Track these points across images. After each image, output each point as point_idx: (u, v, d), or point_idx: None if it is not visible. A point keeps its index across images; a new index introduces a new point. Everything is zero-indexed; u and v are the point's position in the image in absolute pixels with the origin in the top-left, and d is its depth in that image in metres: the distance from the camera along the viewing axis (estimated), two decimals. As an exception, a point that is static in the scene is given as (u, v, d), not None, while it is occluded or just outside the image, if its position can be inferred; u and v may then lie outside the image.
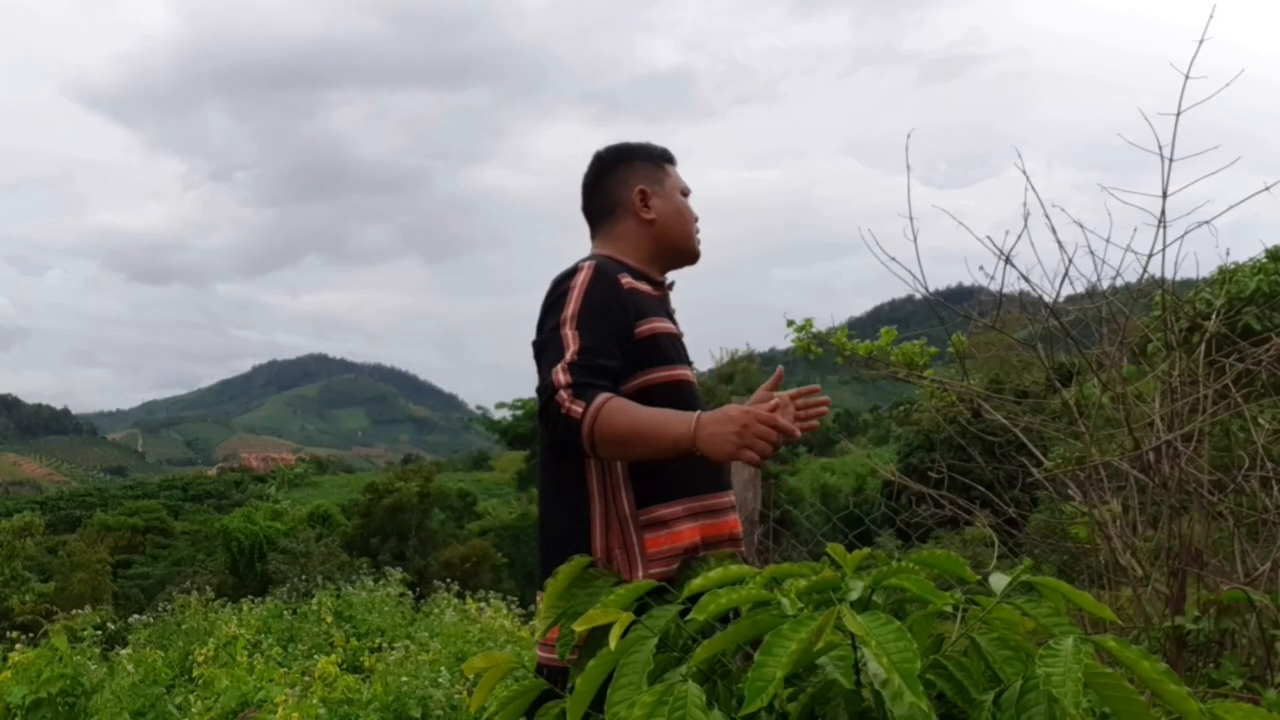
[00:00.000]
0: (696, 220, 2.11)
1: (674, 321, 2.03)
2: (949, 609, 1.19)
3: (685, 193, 2.11)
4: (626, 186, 2.05)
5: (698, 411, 1.70)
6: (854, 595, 1.15)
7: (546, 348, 1.82)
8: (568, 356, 1.76)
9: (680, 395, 1.90)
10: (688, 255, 2.10)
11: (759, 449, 1.64)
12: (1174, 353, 2.90)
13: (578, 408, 1.71)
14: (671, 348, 1.94)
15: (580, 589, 1.56)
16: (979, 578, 1.26)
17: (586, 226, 2.13)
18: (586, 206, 2.11)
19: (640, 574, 1.77)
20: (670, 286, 2.10)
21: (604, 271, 1.88)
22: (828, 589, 1.19)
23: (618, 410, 1.70)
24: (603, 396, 1.72)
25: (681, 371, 1.94)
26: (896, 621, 1.06)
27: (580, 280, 1.86)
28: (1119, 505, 2.80)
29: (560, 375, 1.74)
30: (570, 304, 1.82)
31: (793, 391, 2.00)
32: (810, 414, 1.99)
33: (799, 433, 1.70)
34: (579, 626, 1.32)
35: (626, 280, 1.90)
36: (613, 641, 1.24)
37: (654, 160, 2.09)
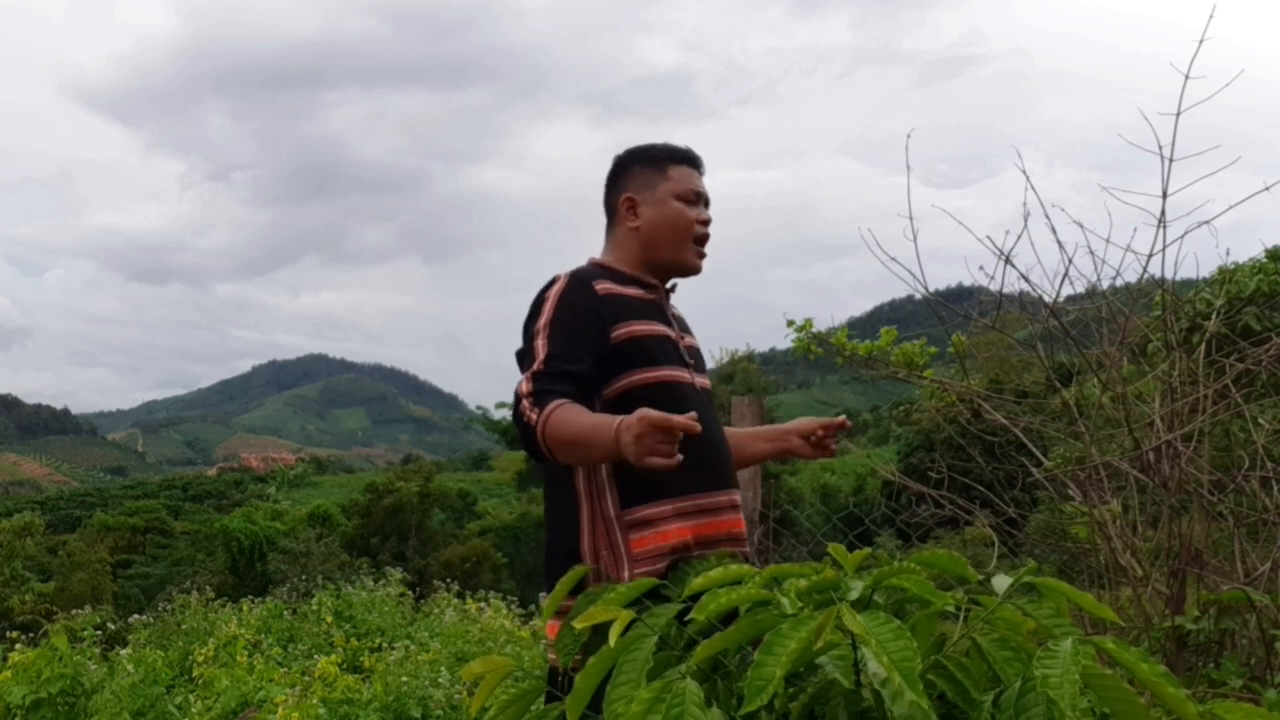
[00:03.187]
0: (703, 223, 2.06)
1: (671, 323, 2.03)
2: (951, 609, 1.19)
3: (686, 196, 2.04)
4: (620, 193, 2.07)
5: (619, 419, 1.69)
6: (854, 595, 1.15)
7: (524, 357, 1.90)
8: (534, 365, 1.85)
9: (667, 396, 1.90)
10: (675, 266, 2.06)
11: (661, 453, 1.63)
12: (1174, 353, 2.90)
13: (534, 415, 1.79)
14: (659, 349, 1.94)
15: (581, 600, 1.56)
16: (981, 578, 1.26)
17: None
18: (603, 207, 2.15)
19: (627, 574, 1.80)
20: (672, 289, 2.09)
21: (578, 280, 1.94)
22: (828, 589, 1.18)
23: (562, 419, 1.76)
24: (554, 404, 1.78)
25: (668, 372, 1.94)
26: (896, 621, 1.05)
27: (555, 290, 1.93)
28: (1119, 505, 2.80)
29: (524, 384, 1.83)
30: (544, 314, 1.90)
31: (824, 421, 2.21)
32: (828, 441, 2.21)
33: (697, 427, 1.64)
34: (579, 624, 1.33)
35: (603, 286, 1.94)
36: (612, 639, 1.24)
37: (655, 164, 2.06)
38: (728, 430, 2.20)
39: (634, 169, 2.07)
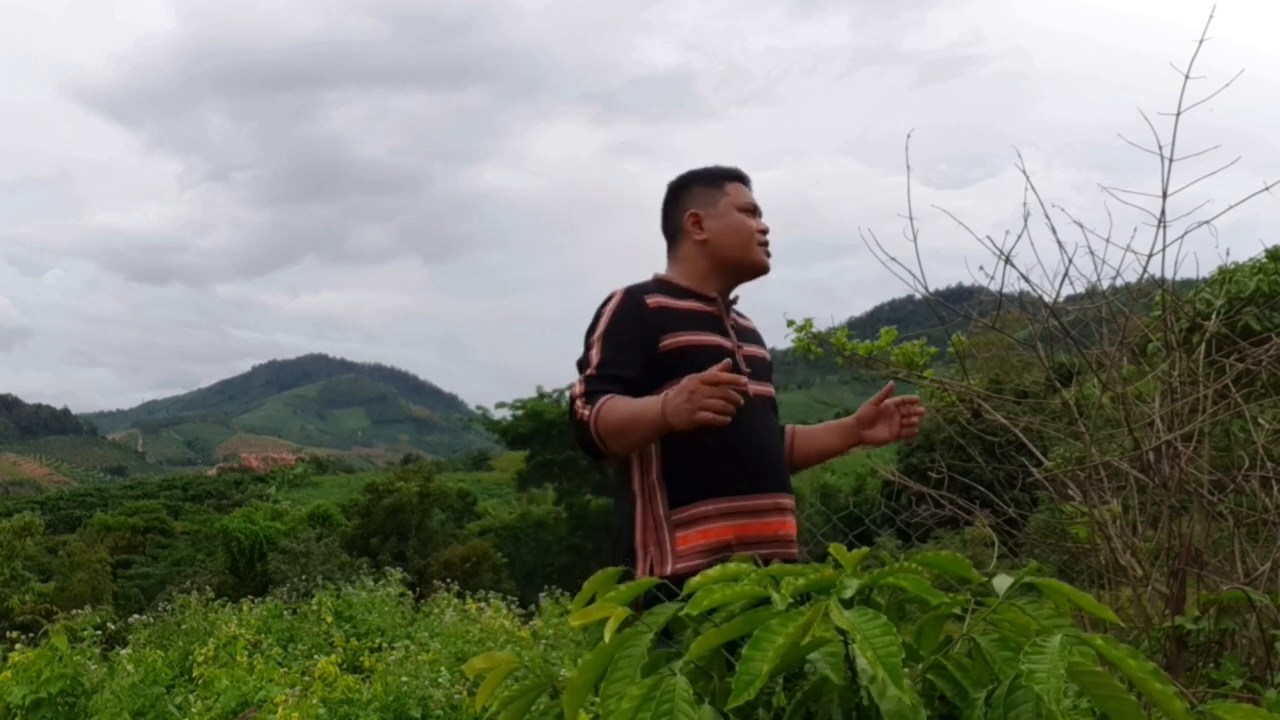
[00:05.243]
0: (763, 231, 2.20)
1: (729, 334, 2.15)
2: (958, 611, 1.19)
3: (745, 208, 2.18)
4: (683, 211, 2.21)
5: (665, 392, 1.86)
6: (849, 593, 1.15)
7: (581, 366, 2.09)
8: (587, 371, 2.04)
9: None
10: (747, 267, 2.19)
11: (713, 407, 1.78)
12: (1174, 353, 2.90)
13: (586, 411, 1.96)
14: (709, 358, 2.04)
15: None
16: (984, 579, 1.26)
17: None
18: (662, 231, 2.29)
19: (670, 569, 1.93)
20: (734, 301, 2.21)
21: (630, 295, 2.11)
22: (826, 588, 1.18)
23: (613, 406, 1.94)
24: (604, 399, 1.95)
25: None
26: (883, 617, 1.05)
27: (610, 305, 2.11)
28: (1119, 505, 2.80)
29: (578, 386, 2.03)
30: (600, 326, 2.09)
31: (897, 400, 2.23)
32: (910, 421, 2.22)
33: (744, 381, 1.85)
34: (575, 621, 1.32)
35: (654, 300, 2.10)
36: (607, 635, 1.24)
37: (713, 182, 2.21)
38: (798, 428, 2.36)
39: (694, 189, 2.22)
